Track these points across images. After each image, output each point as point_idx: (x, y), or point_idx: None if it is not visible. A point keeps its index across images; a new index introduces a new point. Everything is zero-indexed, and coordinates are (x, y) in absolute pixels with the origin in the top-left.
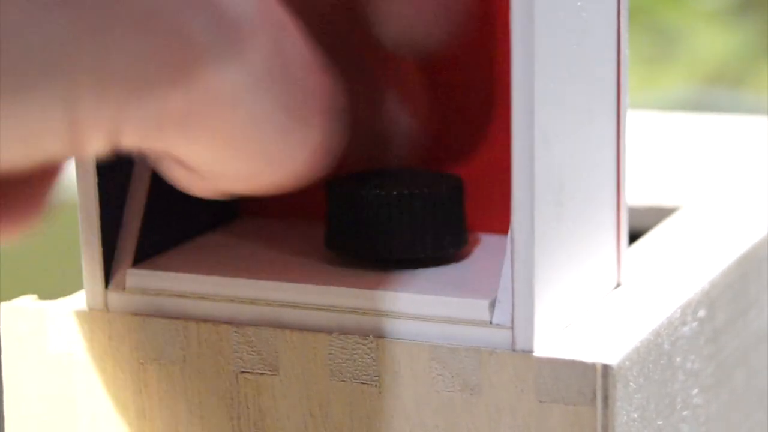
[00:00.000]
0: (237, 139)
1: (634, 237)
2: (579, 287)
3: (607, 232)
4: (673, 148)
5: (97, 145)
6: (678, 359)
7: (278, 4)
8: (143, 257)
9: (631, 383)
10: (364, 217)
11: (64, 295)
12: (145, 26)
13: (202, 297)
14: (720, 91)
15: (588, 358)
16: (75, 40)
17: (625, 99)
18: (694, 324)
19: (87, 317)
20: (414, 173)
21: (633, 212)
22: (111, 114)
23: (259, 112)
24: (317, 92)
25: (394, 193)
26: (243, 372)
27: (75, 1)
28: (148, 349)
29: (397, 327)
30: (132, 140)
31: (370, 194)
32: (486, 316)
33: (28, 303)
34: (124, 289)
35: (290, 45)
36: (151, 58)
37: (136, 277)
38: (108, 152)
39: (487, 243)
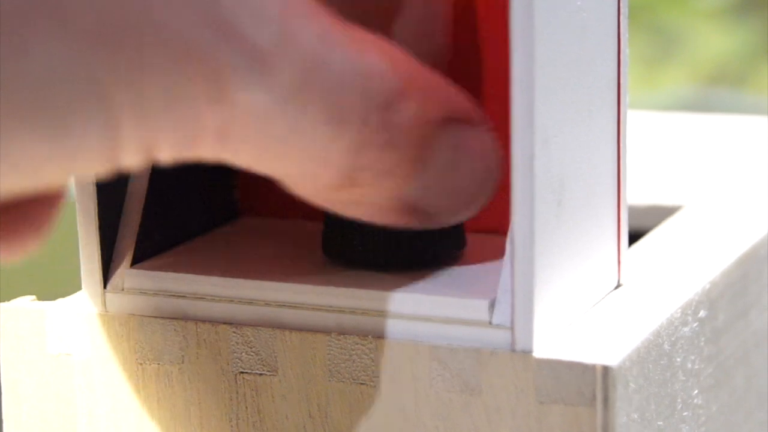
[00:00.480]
0: (273, 148)
1: (634, 237)
2: (579, 287)
3: (607, 232)
4: (673, 148)
5: (134, 161)
6: (678, 360)
7: (321, 11)
8: (142, 257)
9: (631, 384)
10: (362, 224)
11: (63, 295)
12: (178, 57)
13: (201, 297)
14: (720, 91)
15: (588, 359)
16: (115, 75)
17: (626, 99)
18: (695, 324)
19: (86, 318)
20: None
21: (634, 212)
22: (148, 135)
23: (296, 124)
24: (358, 93)
25: None
26: (242, 372)
27: (115, 39)
28: (146, 350)
29: (396, 327)
30: (167, 155)
31: None
32: (486, 317)
33: (26, 303)
34: (122, 289)
35: (334, 57)
36: (184, 85)
37: (134, 278)
38: (143, 165)
39: (486, 243)
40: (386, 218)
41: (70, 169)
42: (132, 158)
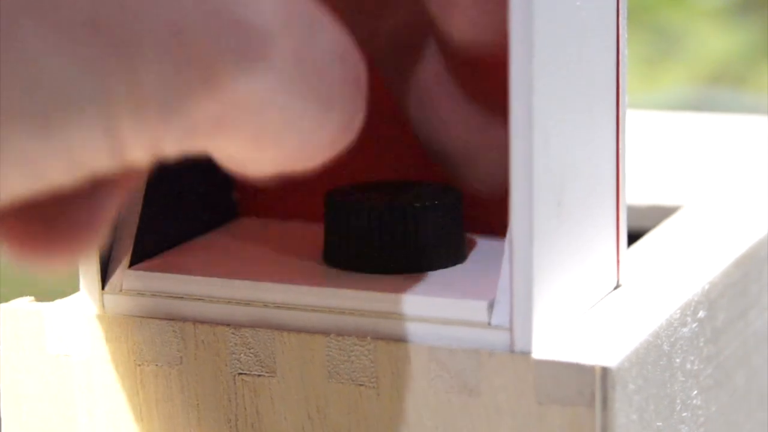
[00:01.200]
0: (270, 134)
1: (634, 237)
2: (578, 288)
3: (606, 233)
4: (673, 147)
5: (140, 156)
6: (677, 360)
7: None
8: (140, 258)
9: (630, 385)
10: (362, 230)
11: (62, 296)
12: (170, 45)
13: (200, 298)
14: (721, 90)
15: (587, 360)
16: (107, 66)
17: (625, 99)
18: (694, 325)
19: (84, 319)
20: (413, 185)
21: (633, 212)
22: (149, 128)
23: (290, 109)
24: (349, 76)
25: (395, 205)
26: (240, 373)
27: (108, 28)
28: (145, 351)
29: (395, 328)
30: (171, 148)
31: (368, 206)
32: (485, 317)
33: (25, 304)
34: (121, 290)
35: (319, 39)
36: (180, 73)
37: (133, 279)
38: (151, 160)
39: (485, 245)
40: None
41: (76, 166)
42: (138, 153)
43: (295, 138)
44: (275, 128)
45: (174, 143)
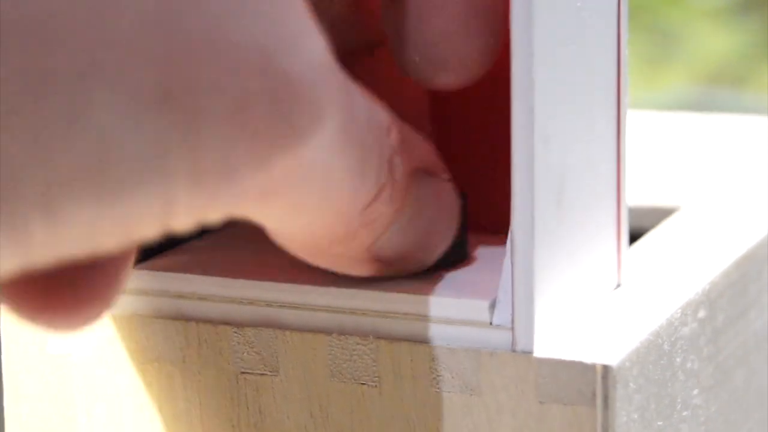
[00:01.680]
0: (308, 204)
1: (634, 237)
2: (579, 287)
3: (607, 233)
4: (673, 148)
5: (184, 225)
6: (678, 360)
7: (337, 67)
8: (142, 258)
9: (631, 384)
10: None
11: None
12: (233, 119)
13: (202, 297)
14: (721, 90)
15: (588, 358)
16: (170, 141)
17: (625, 99)
18: (694, 324)
19: None
20: None
21: (633, 212)
22: (202, 199)
23: (330, 179)
24: (384, 146)
25: None
26: (243, 372)
27: (172, 101)
28: (147, 350)
29: (397, 328)
30: (214, 216)
31: None
32: (486, 317)
33: None
34: (122, 289)
35: (357, 109)
36: (237, 148)
37: (135, 278)
38: (191, 227)
39: (486, 244)
40: (358, 269)
41: (123, 235)
42: (183, 222)
43: (330, 206)
44: (313, 198)
45: (218, 212)
